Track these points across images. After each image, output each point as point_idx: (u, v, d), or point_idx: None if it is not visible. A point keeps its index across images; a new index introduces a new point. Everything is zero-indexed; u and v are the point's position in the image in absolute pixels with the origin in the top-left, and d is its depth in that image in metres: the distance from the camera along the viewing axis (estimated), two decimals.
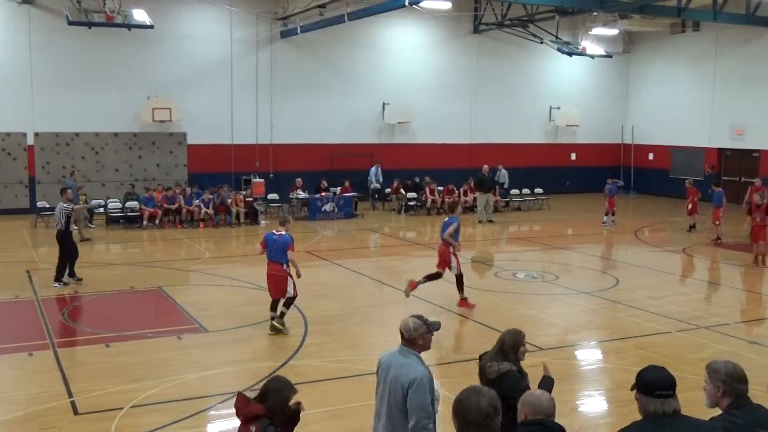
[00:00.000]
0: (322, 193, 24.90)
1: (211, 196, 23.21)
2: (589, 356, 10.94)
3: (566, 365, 10.34)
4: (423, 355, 5.42)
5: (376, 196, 27.04)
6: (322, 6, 23.55)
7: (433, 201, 25.99)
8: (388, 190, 27.01)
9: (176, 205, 22.77)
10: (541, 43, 27.87)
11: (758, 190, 20.30)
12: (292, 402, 5.01)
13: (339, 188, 25.65)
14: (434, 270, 13.12)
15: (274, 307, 11.53)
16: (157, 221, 22.33)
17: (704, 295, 15.29)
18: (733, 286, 15.87)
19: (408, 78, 28.71)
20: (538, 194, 28.65)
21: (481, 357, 5.98)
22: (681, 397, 4.20)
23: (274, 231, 11.64)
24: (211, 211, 22.92)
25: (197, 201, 23.02)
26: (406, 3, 20.45)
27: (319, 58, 27.36)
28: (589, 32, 29.24)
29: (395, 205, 26.42)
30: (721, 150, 29.88)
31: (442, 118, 29.36)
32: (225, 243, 20.51)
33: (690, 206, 22.46)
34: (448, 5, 23.64)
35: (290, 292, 11.41)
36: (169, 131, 25.48)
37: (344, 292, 14.35)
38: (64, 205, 14.77)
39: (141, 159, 25.29)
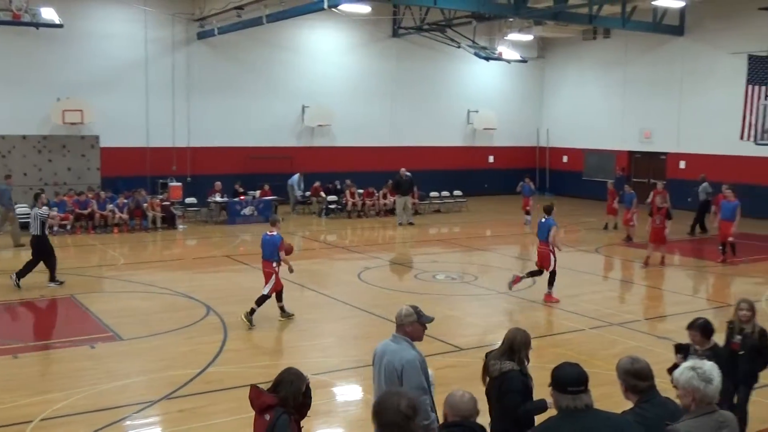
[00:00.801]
0: (241, 197, 24.58)
1: (125, 201, 22.59)
2: None
3: None
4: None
5: (298, 203, 26.84)
6: (240, 8, 23.26)
7: (354, 204, 26.00)
8: (308, 193, 26.87)
9: (89, 209, 22.07)
10: (459, 47, 28.28)
11: (660, 193, 21.04)
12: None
13: (258, 192, 25.36)
14: (536, 268, 14.25)
15: (279, 298, 12.38)
16: (68, 226, 21.59)
17: (616, 293, 15.77)
18: (643, 284, 16.43)
19: (328, 81, 28.64)
20: (457, 196, 29.02)
21: (487, 355, 6.05)
22: (594, 392, 4.30)
23: (267, 231, 12.34)
24: (125, 215, 22.31)
25: (111, 205, 22.37)
26: (326, 6, 20.40)
27: (237, 60, 27.01)
28: (505, 38, 29.79)
29: (316, 209, 26.30)
30: (631, 153, 30.94)
31: (362, 121, 29.42)
32: (140, 248, 19.99)
33: (610, 206, 23.17)
34: (367, 9, 23.71)
35: (266, 290, 12.12)
36: (81, 134, 24.66)
37: None
38: (39, 211, 14.67)
39: (51, 162, 24.39)
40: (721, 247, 18.35)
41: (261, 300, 12.11)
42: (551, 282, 13.99)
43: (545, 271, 14.08)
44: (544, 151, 34.19)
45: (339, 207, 26.12)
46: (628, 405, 4.67)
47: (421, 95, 30.79)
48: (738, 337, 7.55)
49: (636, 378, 4.57)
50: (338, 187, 26.79)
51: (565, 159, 33.68)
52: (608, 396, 5.89)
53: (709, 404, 4.11)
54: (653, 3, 24.56)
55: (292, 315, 12.50)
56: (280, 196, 26.07)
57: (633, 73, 30.26)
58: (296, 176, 26.82)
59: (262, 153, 27.36)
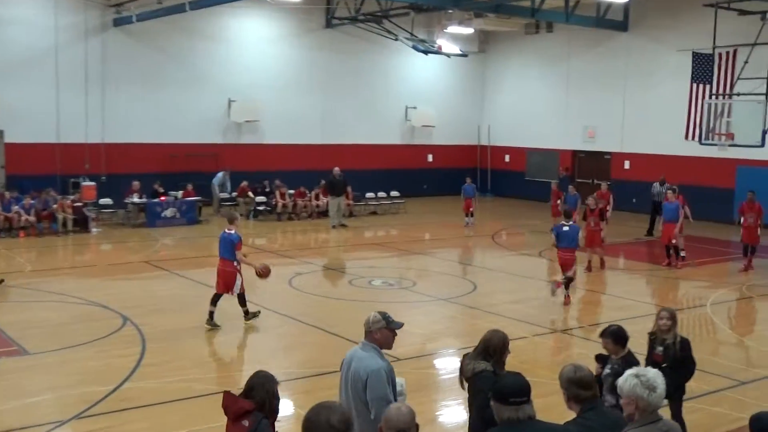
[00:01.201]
0: (162, 198, 24.16)
1: (32, 201, 21.96)
2: (449, 365, 11.19)
3: (425, 375, 10.55)
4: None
5: (222, 202, 26.53)
6: None
7: (284, 205, 25.85)
8: (234, 194, 26.59)
9: None
10: (396, 40, 28.36)
11: (603, 196, 21.50)
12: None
13: (181, 192, 24.98)
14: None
15: (214, 301, 12.48)
16: None
17: (559, 299, 16.04)
18: (587, 289, 16.77)
19: (256, 74, 28.41)
20: (394, 197, 29.14)
21: (464, 356, 6.18)
22: (537, 402, 4.36)
23: (226, 229, 12.53)
24: (32, 218, 21.67)
25: (16, 207, 21.70)
26: None
27: (157, 50, 26.56)
28: (445, 30, 30.06)
29: (243, 210, 26.04)
30: (575, 152, 31.60)
31: (293, 116, 29.28)
32: (50, 254, 19.45)
33: (554, 208, 23.55)
34: None
35: (236, 289, 12.42)
36: None
37: (187, 305, 13.96)
38: None
39: None
40: (677, 251, 18.85)
41: (242, 300, 12.59)
42: (568, 285, 14.68)
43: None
44: (486, 149, 34.63)
45: (268, 208, 25.93)
46: (572, 415, 4.76)
47: (356, 90, 30.82)
48: (659, 349, 7.52)
49: (579, 387, 4.65)
50: (267, 187, 26.59)
51: (507, 158, 34.17)
52: (552, 406, 5.99)
53: (652, 413, 4.21)
54: None
55: (219, 327, 12.45)
56: (205, 197, 25.72)
57: (576, 70, 30.91)
58: (220, 174, 26.49)
59: (185, 150, 26.96)
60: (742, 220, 18.57)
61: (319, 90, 30.04)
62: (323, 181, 26.73)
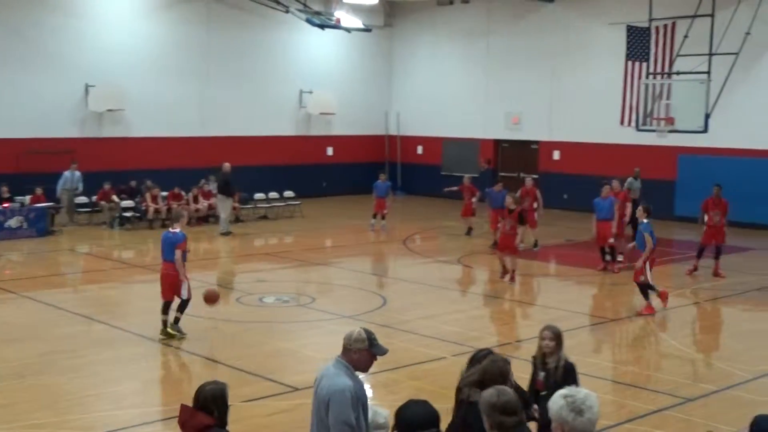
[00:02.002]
0: (5, 204, 23.40)
1: None
2: None
3: None
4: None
5: (78, 208, 25.82)
6: None
7: (156, 210, 25.40)
8: (95, 198, 25.93)
9: None
10: (287, 12, 28.29)
11: (528, 193, 21.92)
12: None
13: (29, 197, 24.25)
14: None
15: (165, 310, 13.08)
16: None
17: (483, 312, 16.30)
18: (514, 300, 17.08)
19: (119, 54, 27.78)
20: (289, 198, 29.01)
21: (462, 374, 6.48)
22: None
23: (170, 229, 13.28)
24: None
25: None
26: None
27: None
28: (344, 1, 30.12)
29: (106, 217, 25.45)
30: (497, 141, 32.15)
31: (166, 104, 28.78)
32: None
33: (467, 206, 23.86)
34: None
35: (184, 294, 13.02)
36: None
37: (39, 333, 13.56)
38: None
39: None
40: (614, 253, 19.26)
41: (183, 307, 13.13)
42: (647, 294, 15.11)
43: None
44: (395, 140, 34.87)
45: (137, 215, 25.43)
46: None
47: (240, 72, 30.53)
48: (542, 374, 7.48)
49: (503, 413, 4.71)
50: (135, 189, 26.06)
51: (419, 150, 34.49)
52: None
53: None
54: None
55: (184, 335, 13.14)
56: (59, 202, 25.03)
57: (497, 47, 31.46)
58: (67, 174, 25.60)
59: (34, 146, 26.14)
60: (706, 218, 18.66)
61: (196, 73, 29.63)
62: (203, 181, 26.37)
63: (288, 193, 29.34)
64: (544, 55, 30.00)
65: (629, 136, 26.13)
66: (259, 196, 28.52)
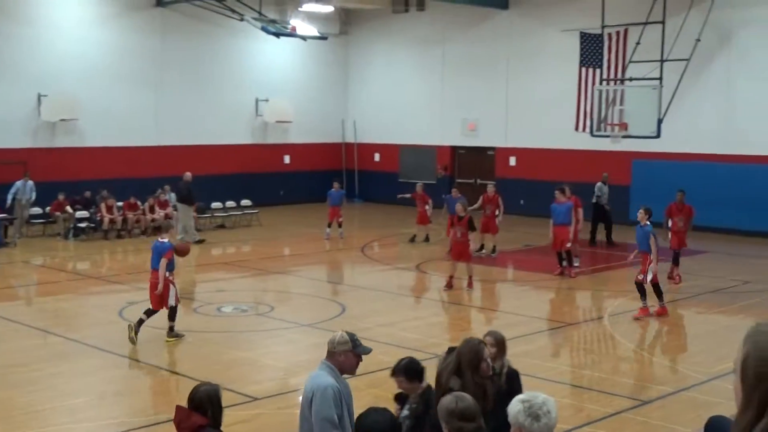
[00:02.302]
0: None
1: None
2: None
3: (289, 416, 10.47)
4: None
5: (32, 219, 25.46)
6: None
7: (112, 221, 25.14)
8: (48, 209, 25.59)
9: None
10: (242, 20, 28.17)
11: (490, 201, 22.01)
12: None
13: None
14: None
15: (149, 314, 13.48)
16: None
17: (441, 318, 16.36)
18: (473, 305, 17.15)
19: (72, 63, 27.48)
20: (246, 207, 28.87)
21: (441, 369, 6.47)
22: None
23: (159, 238, 13.70)
24: None
25: None
26: None
27: None
28: (300, 9, 30.09)
29: (61, 228, 25.15)
30: (454, 148, 32.29)
31: (120, 114, 28.49)
32: None
33: (421, 214, 23.87)
34: None
35: (171, 301, 13.36)
36: None
37: None
38: None
39: None
40: (570, 258, 19.42)
41: (173, 314, 13.45)
42: (660, 294, 15.34)
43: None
44: (352, 148, 34.87)
45: (92, 225, 25.15)
46: None
47: (195, 81, 30.34)
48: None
49: (461, 419, 4.73)
50: (90, 200, 25.78)
51: (376, 157, 34.53)
52: None
53: None
54: None
55: (182, 335, 13.62)
56: (11, 214, 24.67)
57: (453, 54, 31.62)
58: (19, 183, 25.19)
59: None
60: (670, 223, 18.71)
61: (151, 81, 29.39)
62: (159, 190, 26.16)
63: (245, 202, 29.20)
64: (500, 62, 30.21)
65: (584, 142, 26.39)
66: (216, 205, 28.34)
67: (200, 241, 24.18)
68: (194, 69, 30.30)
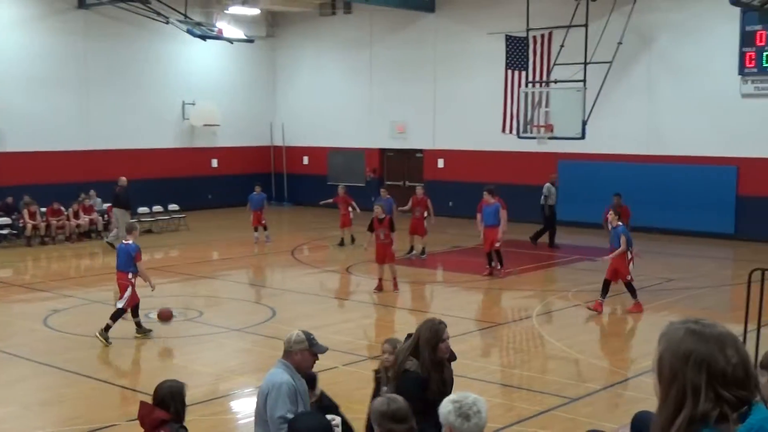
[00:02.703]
0: None
1: None
2: (247, 407, 11.05)
3: (221, 421, 10.41)
4: None
5: None
6: None
7: (35, 227, 24.62)
8: None
9: None
10: (167, 23, 27.83)
11: (419, 203, 22.10)
12: None
13: None
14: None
15: (134, 313, 14.03)
16: None
17: (371, 320, 16.38)
18: (403, 307, 17.22)
19: None
20: (173, 212, 28.54)
21: (397, 351, 6.74)
22: None
23: (123, 240, 14.13)
24: None
25: None
26: None
27: None
28: (226, 11, 29.88)
29: None
30: (382, 151, 32.38)
31: (43, 118, 27.91)
32: None
33: (343, 217, 23.81)
34: None
35: (120, 303, 13.73)
36: None
37: None
38: None
39: None
40: (496, 259, 19.57)
41: (116, 315, 13.57)
42: (634, 292, 15.93)
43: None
44: (280, 151, 34.73)
45: (14, 232, 24.61)
46: None
47: (121, 84, 29.88)
48: (384, 389, 7.18)
49: (393, 421, 4.74)
50: (13, 205, 25.23)
51: (305, 160, 34.45)
52: None
53: None
54: None
55: (150, 331, 14.00)
56: None
57: (380, 56, 31.71)
58: None
59: None
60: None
61: (75, 85, 28.85)
62: (83, 195, 25.74)
63: (172, 206, 28.85)
64: (427, 65, 30.40)
65: (511, 143, 26.71)
66: (142, 209, 27.94)
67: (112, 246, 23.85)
68: (119, 72, 29.84)
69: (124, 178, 24.81)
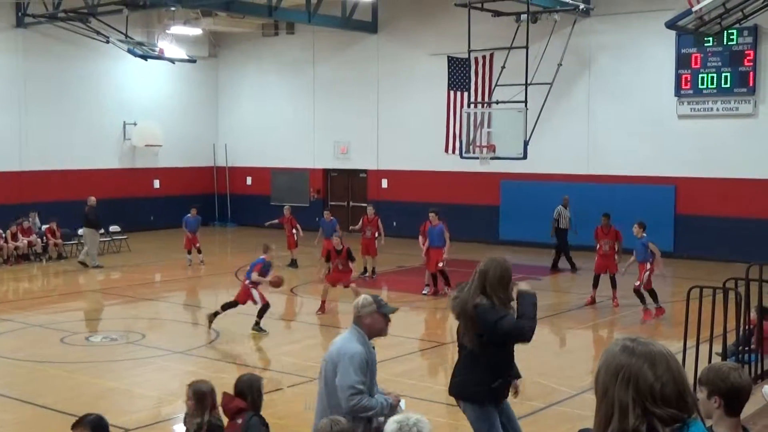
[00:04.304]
0: None
1: None
2: None
3: None
4: None
5: None
6: None
7: None
8: None
9: None
10: (108, 42, 27.60)
11: (370, 223, 22.11)
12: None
13: None
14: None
15: (261, 315, 15.76)
16: None
17: (318, 341, 16.31)
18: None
19: None
20: (114, 233, 28.17)
21: (454, 296, 6.88)
22: None
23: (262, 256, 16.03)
24: None
25: None
26: None
27: None
28: (168, 31, 29.70)
29: None
30: (326, 171, 32.38)
31: None
32: None
33: (289, 238, 23.72)
34: None
35: (258, 302, 15.80)
36: None
37: None
38: None
39: None
40: (442, 279, 19.65)
41: (262, 310, 15.59)
42: (651, 297, 16.78)
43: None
44: (223, 171, 34.53)
45: None
46: None
47: (60, 104, 29.47)
48: None
49: None
50: None
51: (248, 181, 34.29)
52: None
53: None
54: None
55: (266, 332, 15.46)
56: None
57: (323, 76, 31.76)
58: None
59: None
60: (597, 246, 18.68)
61: (13, 104, 28.37)
62: (22, 218, 25.36)
63: (113, 228, 28.44)
64: (370, 85, 30.52)
65: (454, 164, 26.87)
66: (83, 231, 27.50)
67: (99, 267, 23.89)
68: (59, 92, 29.44)
69: (93, 198, 24.93)
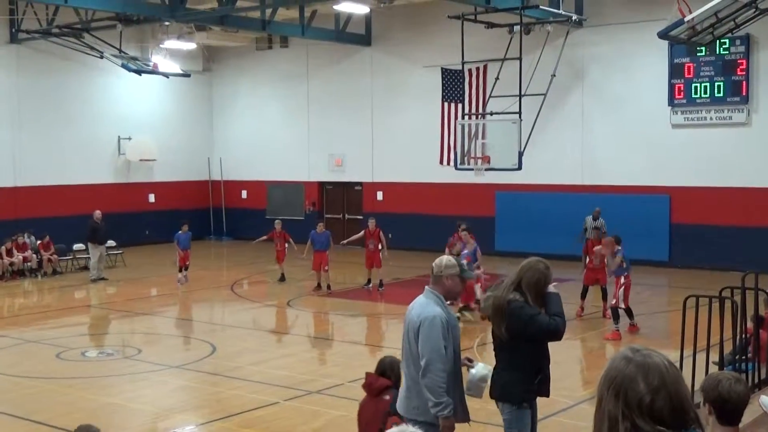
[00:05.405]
0: None
1: None
2: None
3: None
4: None
5: None
6: None
7: None
8: None
9: None
10: (102, 57, 27.63)
11: (372, 235, 21.99)
12: None
13: None
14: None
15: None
16: None
17: (313, 354, 16.30)
18: (344, 340, 17.14)
19: None
20: (110, 248, 28.07)
21: (487, 295, 7.04)
22: None
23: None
24: None
25: None
26: None
27: None
28: (161, 46, 29.73)
29: None
30: (321, 184, 32.37)
31: None
32: None
33: (279, 252, 23.59)
34: None
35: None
36: None
37: None
38: None
39: None
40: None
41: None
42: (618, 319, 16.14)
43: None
44: (219, 185, 34.51)
45: None
46: None
47: (55, 119, 29.45)
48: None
49: None
50: None
51: (244, 194, 34.27)
52: None
53: None
54: (335, 8, 26.12)
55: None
56: None
57: (318, 90, 31.80)
58: None
59: None
60: (587, 260, 18.52)
61: (7, 120, 28.36)
62: (19, 234, 25.33)
63: (109, 243, 28.36)
64: (364, 98, 30.57)
65: (449, 175, 26.88)
66: (78, 246, 27.43)
67: (103, 279, 24.13)
68: (53, 107, 29.44)
69: (98, 212, 25.09)
